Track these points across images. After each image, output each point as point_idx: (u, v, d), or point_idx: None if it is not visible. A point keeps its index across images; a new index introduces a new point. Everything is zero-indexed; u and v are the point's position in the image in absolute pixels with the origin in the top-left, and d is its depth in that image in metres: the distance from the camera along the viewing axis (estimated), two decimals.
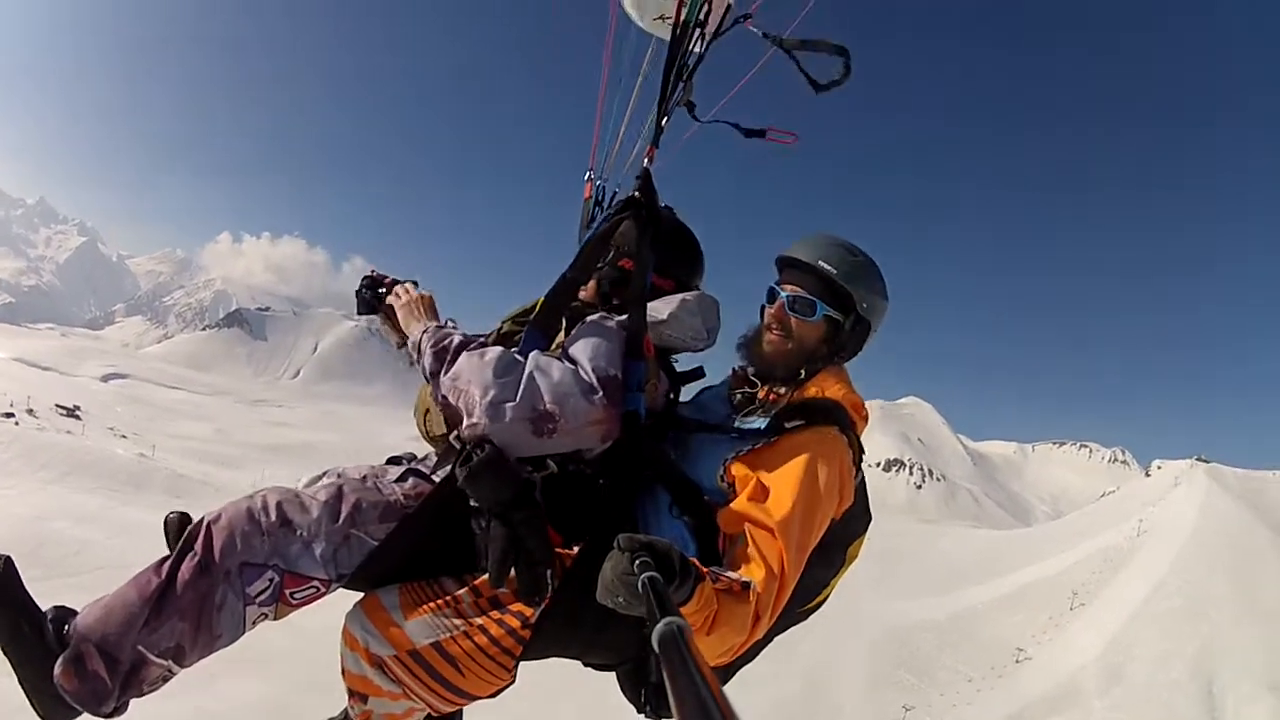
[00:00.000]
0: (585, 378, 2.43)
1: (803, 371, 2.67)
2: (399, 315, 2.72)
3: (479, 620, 2.35)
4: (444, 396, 2.43)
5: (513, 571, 2.31)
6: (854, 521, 2.61)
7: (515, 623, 2.34)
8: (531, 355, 2.48)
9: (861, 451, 2.61)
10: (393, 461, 2.91)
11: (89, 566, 35.65)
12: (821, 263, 2.63)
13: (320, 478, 2.72)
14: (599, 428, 2.43)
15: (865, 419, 2.65)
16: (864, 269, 2.67)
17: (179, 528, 2.35)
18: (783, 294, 2.69)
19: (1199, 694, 42.17)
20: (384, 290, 2.82)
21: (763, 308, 2.78)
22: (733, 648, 2.15)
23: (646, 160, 2.87)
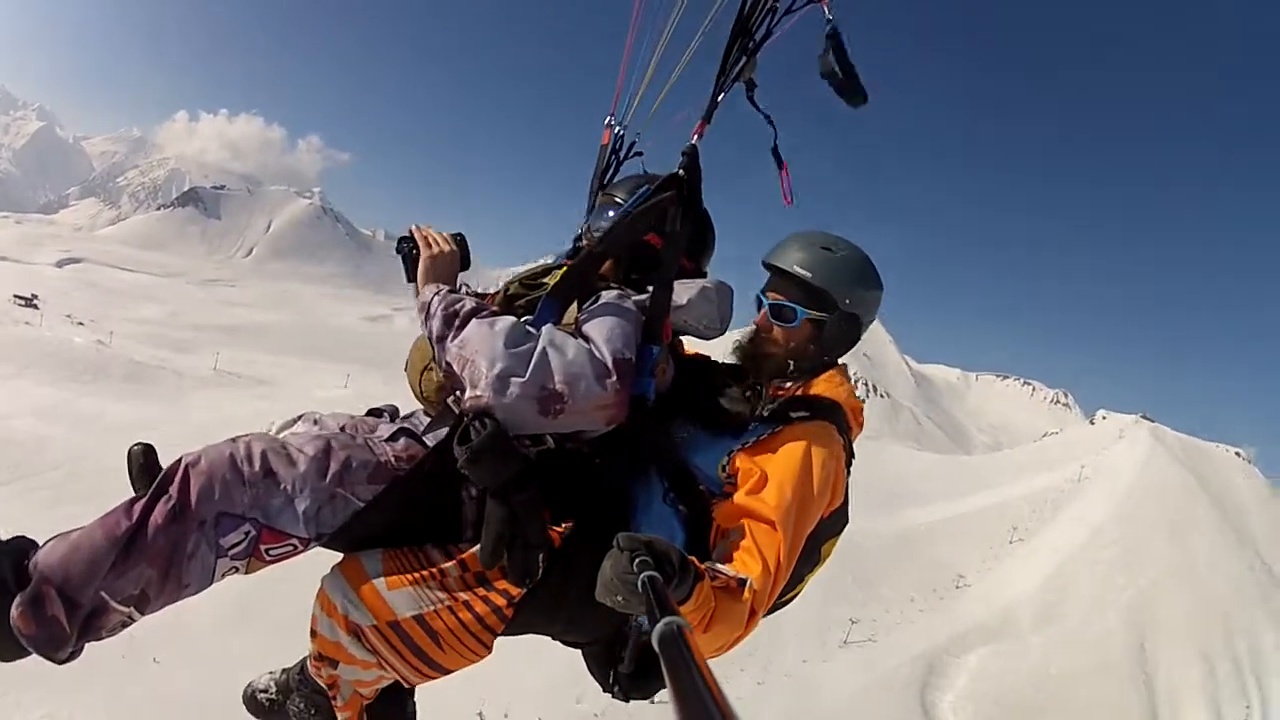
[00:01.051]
0: (600, 359, 2.36)
1: (791, 365, 2.76)
2: (420, 268, 2.63)
3: (464, 596, 2.35)
4: (449, 364, 2.38)
5: (504, 558, 2.30)
6: (836, 519, 2.63)
7: (501, 601, 2.35)
8: (545, 329, 2.41)
9: (853, 456, 2.70)
10: (373, 413, 2.90)
11: (50, 465, 35.38)
12: (796, 267, 2.71)
13: (296, 421, 2.73)
14: (607, 412, 2.37)
15: (861, 425, 2.74)
16: (842, 266, 2.73)
17: (143, 459, 2.30)
18: (766, 302, 2.80)
19: (1132, 647, 45.42)
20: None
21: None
22: (728, 643, 2.18)
23: (695, 136, 2.75)
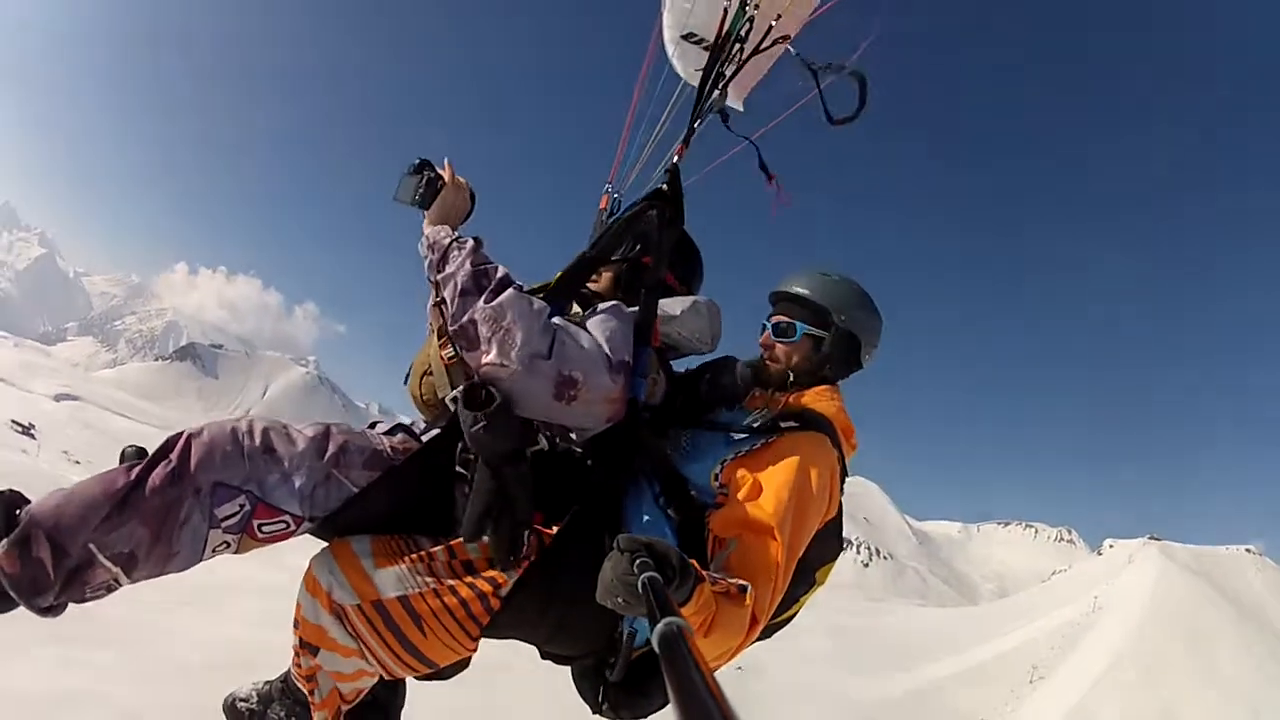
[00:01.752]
0: (608, 355, 2.50)
1: (791, 377, 2.93)
2: (439, 200, 2.66)
3: (450, 581, 2.38)
4: (472, 320, 2.39)
5: (489, 531, 2.35)
6: (829, 541, 2.68)
7: (488, 588, 2.37)
8: (559, 320, 2.52)
9: (846, 472, 2.76)
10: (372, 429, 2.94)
11: None
12: (796, 288, 2.98)
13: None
14: (609, 406, 2.50)
15: (854, 446, 2.80)
16: (836, 287, 2.97)
17: (137, 460, 2.33)
18: (768, 324, 3.03)
19: None
20: (438, 178, 2.71)
21: None
22: (728, 651, 2.21)
23: (676, 157, 2.99)
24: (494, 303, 2.38)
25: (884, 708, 52.70)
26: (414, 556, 2.40)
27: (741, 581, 2.12)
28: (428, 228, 2.62)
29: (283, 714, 2.91)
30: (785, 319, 2.99)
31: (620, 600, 1.75)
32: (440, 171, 2.71)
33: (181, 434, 2.31)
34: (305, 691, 2.64)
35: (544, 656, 2.76)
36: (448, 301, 2.46)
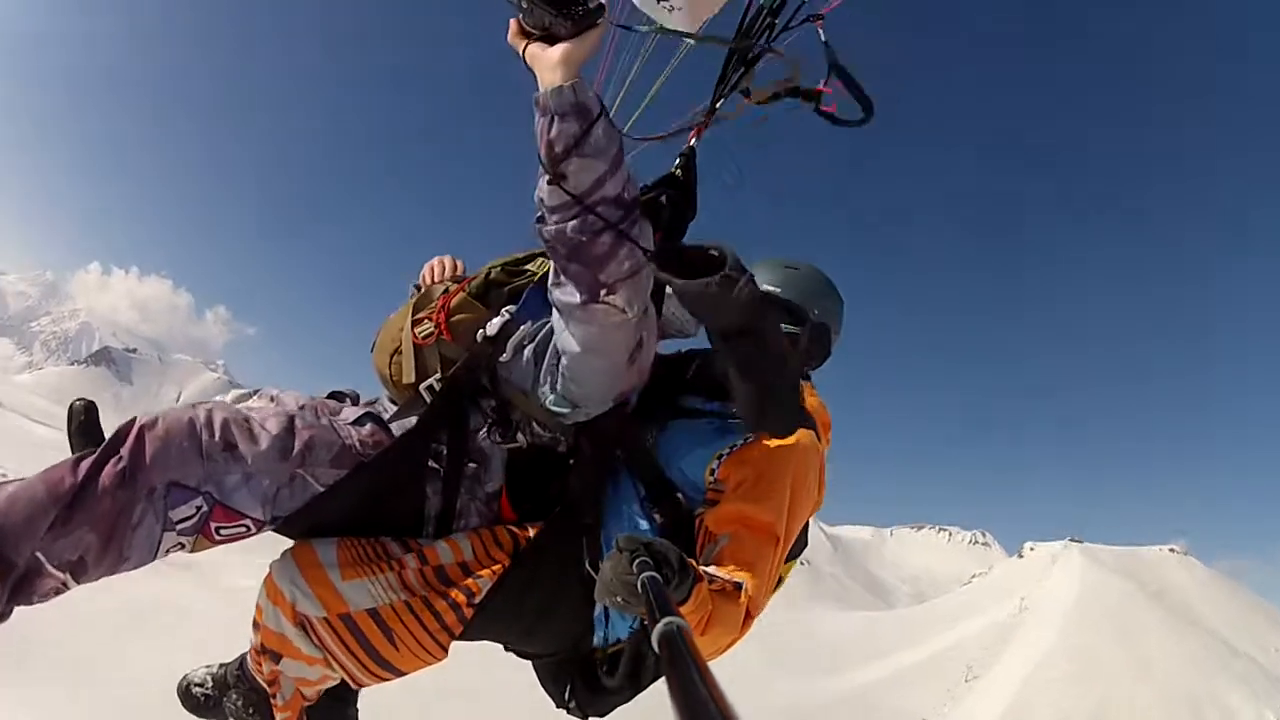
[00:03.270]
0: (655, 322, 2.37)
1: None
2: (595, 33, 1.98)
3: (424, 593, 2.35)
4: (613, 251, 2.03)
5: (773, 408, 2.31)
6: (799, 540, 2.71)
7: (461, 598, 2.35)
8: None
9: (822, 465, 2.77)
10: (334, 396, 2.82)
11: None
12: (766, 286, 2.87)
13: (252, 395, 2.71)
14: (634, 380, 2.39)
15: (829, 441, 2.82)
16: (806, 280, 2.98)
17: (84, 416, 2.29)
18: None
19: None
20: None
21: None
22: (724, 646, 2.26)
23: (693, 139, 2.74)
24: (636, 234, 2.08)
25: (821, 709, 54.46)
26: (384, 566, 2.36)
27: (737, 579, 2.21)
28: (573, 76, 1.95)
29: (240, 702, 2.88)
30: None
31: (619, 599, 1.76)
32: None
33: (133, 423, 2.17)
34: (267, 689, 2.66)
35: (507, 649, 2.83)
36: (584, 200, 1.99)
